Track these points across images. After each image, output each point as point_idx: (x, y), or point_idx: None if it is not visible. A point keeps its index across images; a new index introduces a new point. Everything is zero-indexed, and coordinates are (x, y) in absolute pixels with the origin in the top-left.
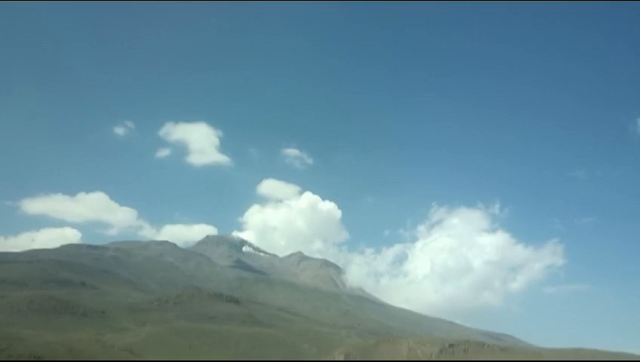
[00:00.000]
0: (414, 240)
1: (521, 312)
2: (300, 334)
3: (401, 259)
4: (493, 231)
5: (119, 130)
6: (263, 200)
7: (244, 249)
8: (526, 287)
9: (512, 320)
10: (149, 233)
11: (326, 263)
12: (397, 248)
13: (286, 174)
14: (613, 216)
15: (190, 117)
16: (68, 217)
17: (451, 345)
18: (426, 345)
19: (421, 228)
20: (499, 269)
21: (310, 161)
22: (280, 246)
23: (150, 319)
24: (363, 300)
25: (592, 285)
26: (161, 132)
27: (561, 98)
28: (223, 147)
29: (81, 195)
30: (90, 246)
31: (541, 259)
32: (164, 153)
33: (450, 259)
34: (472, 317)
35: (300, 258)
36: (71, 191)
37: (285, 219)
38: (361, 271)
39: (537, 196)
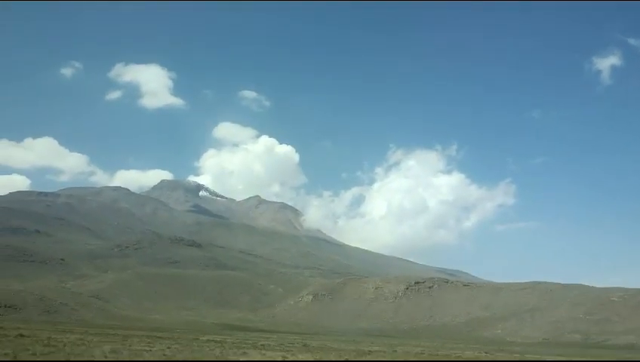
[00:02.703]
0: (372, 182)
1: (473, 249)
2: (264, 276)
3: (358, 201)
4: (448, 172)
5: (66, 71)
6: (218, 144)
7: (201, 193)
8: (478, 225)
9: (464, 257)
10: (101, 179)
11: (284, 206)
12: (354, 190)
13: (242, 117)
14: (565, 156)
15: (141, 58)
16: (15, 164)
17: (417, 283)
18: (391, 283)
19: (379, 170)
20: (453, 209)
21: (267, 103)
22: (237, 191)
23: (111, 265)
24: (321, 241)
25: (540, 222)
26: (111, 73)
27: (516, 38)
28: (177, 89)
29: (28, 141)
30: (40, 193)
31: (493, 199)
32: (114, 95)
33: (406, 200)
34: (425, 254)
35: (258, 201)
36: (17, 136)
37: (242, 163)
38: (319, 214)
39: (494, 137)
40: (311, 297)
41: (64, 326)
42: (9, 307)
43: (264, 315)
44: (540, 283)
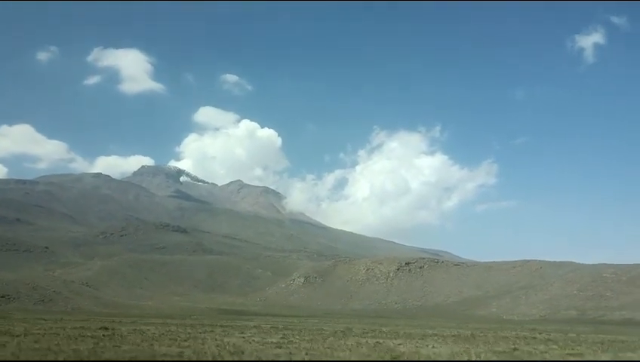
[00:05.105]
0: (355, 164)
1: (454, 229)
2: (251, 259)
3: (341, 184)
4: (431, 153)
5: (42, 56)
6: (200, 129)
7: (182, 178)
8: (459, 206)
9: (445, 238)
10: (81, 166)
11: (266, 190)
12: (337, 173)
13: (224, 101)
14: (548, 135)
15: (120, 42)
16: None
17: (407, 263)
18: (382, 264)
19: (361, 152)
20: (435, 190)
21: (249, 87)
22: (219, 175)
23: (97, 252)
24: (305, 224)
25: (521, 201)
26: (90, 58)
27: (497, 16)
28: (157, 74)
29: (4, 128)
30: (18, 181)
31: (474, 179)
32: (93, 80)
33: (388, 182)
34: (407, 236)
35: (240, 186)
36: None
37: (224, 148)
38: (302, 197)
39: (477, 118)
40: (302, 280)
41: (70, 316)
42: (2, 297)
43: (255, 299)
44: (529, 261)
